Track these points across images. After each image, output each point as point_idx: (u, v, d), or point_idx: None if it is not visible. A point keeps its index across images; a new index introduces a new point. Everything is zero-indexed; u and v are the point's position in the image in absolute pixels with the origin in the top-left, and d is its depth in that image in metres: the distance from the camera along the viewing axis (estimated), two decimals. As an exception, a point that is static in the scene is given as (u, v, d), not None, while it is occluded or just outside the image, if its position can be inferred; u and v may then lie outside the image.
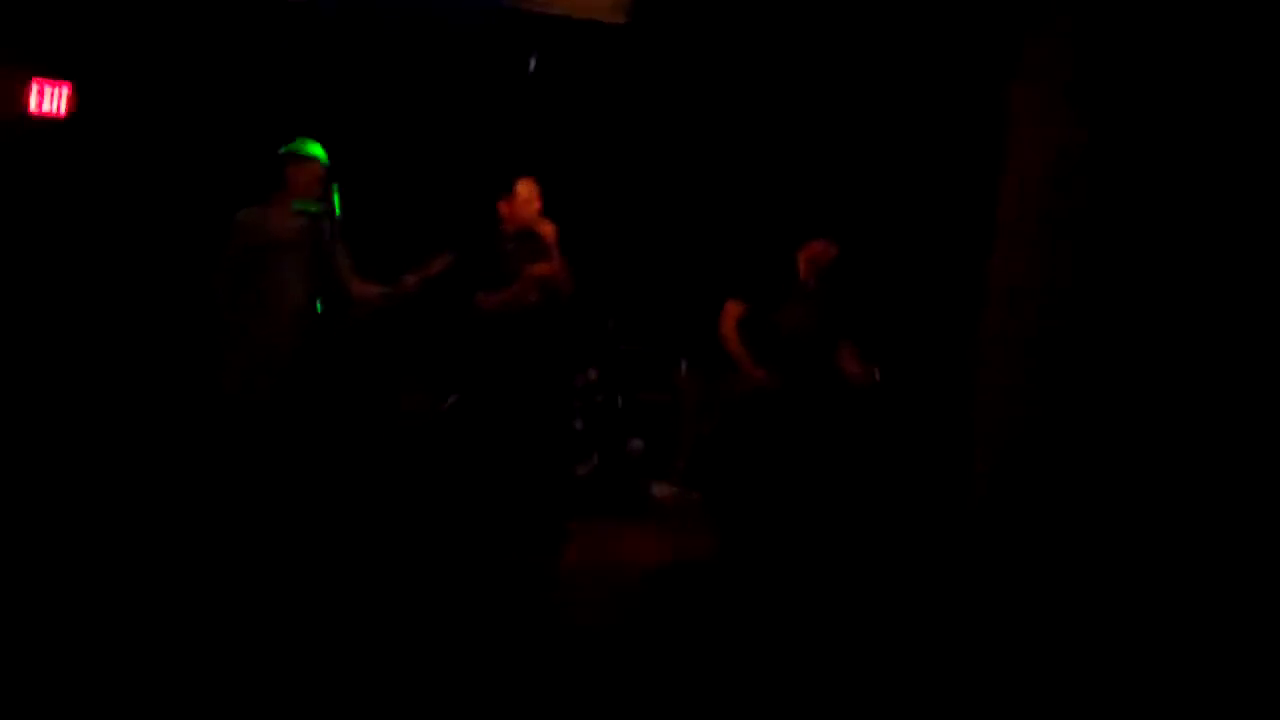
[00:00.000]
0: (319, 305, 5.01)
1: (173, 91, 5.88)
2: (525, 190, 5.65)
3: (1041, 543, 4.64)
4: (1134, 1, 4.83)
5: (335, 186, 4.98)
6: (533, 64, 6.73)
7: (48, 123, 5.59)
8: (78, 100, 5.63)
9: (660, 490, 6.76)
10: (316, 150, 5.10)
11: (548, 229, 5.56)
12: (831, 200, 6.37)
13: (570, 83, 6.88)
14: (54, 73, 5.60)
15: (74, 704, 3.17)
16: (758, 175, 6.97)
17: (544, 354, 5.72)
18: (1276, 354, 4.29)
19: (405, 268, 5.15)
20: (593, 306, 6.50)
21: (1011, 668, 4.11)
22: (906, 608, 4.78)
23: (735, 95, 6.92)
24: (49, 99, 5.53)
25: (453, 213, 6.20)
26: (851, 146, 6.67)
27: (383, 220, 5.90)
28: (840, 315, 5.81)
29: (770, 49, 6.66)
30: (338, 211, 5.01)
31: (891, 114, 6.56)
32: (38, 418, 5.39)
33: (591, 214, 6.30)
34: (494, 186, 5.70)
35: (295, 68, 6.25)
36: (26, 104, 5.58)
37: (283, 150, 5.09)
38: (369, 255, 5.34)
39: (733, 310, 5.76)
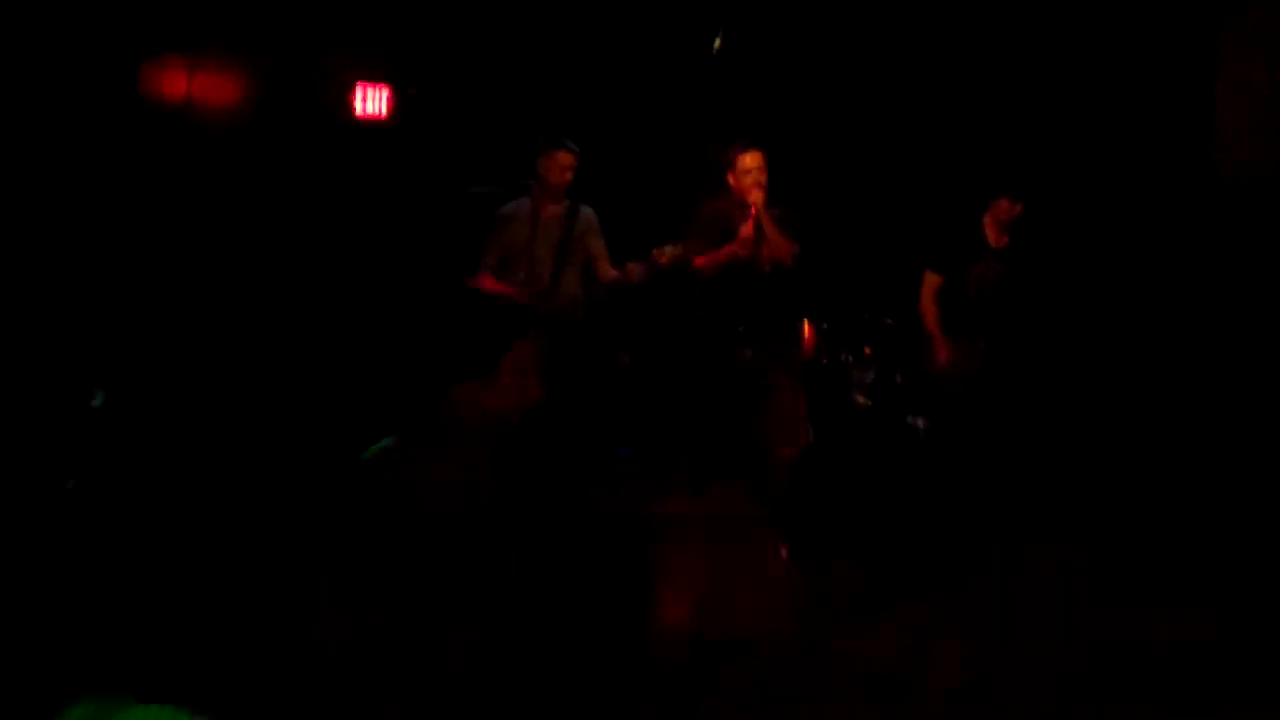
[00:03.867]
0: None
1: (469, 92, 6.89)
2: (749, 160, 5.80)
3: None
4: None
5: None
6: (718, 41, 7.06)
7: (372, 123, 6.67)
8: (395, 102, 6.71)
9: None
10: (564, 142, 5.78)
11: (755, 197, 5.71)
12: (1010, 158, 6.59)
13: (753, 60, 7.18)
14: (375, 78, 6.65)
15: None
16: (936, 138, 7.16)
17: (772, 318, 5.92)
18: None
19: (643, 252, 5.69)
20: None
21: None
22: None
23: (908, 58, 7.15)
24: (372, 101, 6.74)
25: (674, 191, 6.57)
26: (1028, 102, 6.91)
27: (617, 204, 6.37)
28: (1031, 272, 6.08)
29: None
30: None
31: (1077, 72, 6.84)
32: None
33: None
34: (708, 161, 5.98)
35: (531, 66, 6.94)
36: (353, 107, 6.67)
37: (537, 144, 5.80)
38: (617, 240, 6.00)
39: (931, 281, 6.14)
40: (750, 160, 5.78)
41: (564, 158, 5.83)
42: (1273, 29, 6.15)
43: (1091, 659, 4.26)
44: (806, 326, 6.70)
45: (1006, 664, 4.19)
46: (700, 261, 5.84)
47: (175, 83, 5.89)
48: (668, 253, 5.69)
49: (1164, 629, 4.56)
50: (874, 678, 4.01)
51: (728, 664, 3.81)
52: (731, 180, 5.85)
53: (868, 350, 6.67)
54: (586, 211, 6.00)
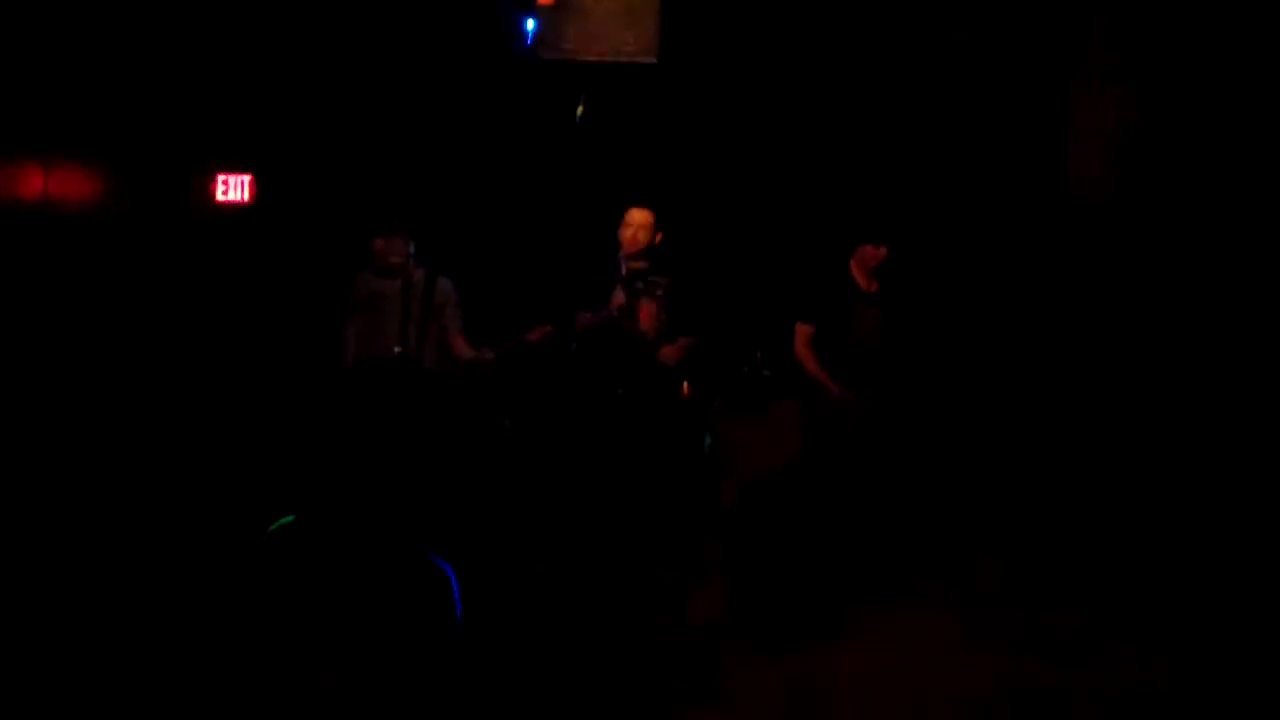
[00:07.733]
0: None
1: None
2: (635, 216, 5.93)
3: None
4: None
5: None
6: (581, 108, 7.13)
7: (233, 207, 6.73)
8: (257, 188, 6.75)
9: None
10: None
11: (628, 250, 5.87)
12: (873, 202, 6.70)
13: (614, 121, 7.29)
14: (236, 167, 6.71)
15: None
16: (796, 190, 7.28)
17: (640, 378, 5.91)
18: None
19: (515, 325, 5.84)
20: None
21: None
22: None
23: (766, 113, 7.31)
24: (234, 189, 6.73)
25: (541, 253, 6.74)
26: (885, 148, 7.12)
27: (483, 277, 6.51)
28: (904, 312, 6.14)
29: (792, 62, 7.18)
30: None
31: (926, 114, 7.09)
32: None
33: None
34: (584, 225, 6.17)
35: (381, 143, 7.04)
36: (214, 194, 6.72)
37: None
38: (486, 314, 6.10)
39: (803, 331, 6.11)
40: (637, 216, 5.92)
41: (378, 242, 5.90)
42: (1119, 65, 6.47)
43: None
44: (685, 386, 6.80)
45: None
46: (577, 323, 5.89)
47: (31, 181, 5.83)
48: (538, 331, 5.80)
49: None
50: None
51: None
52: (619, 235, 5.95)
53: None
54: (445, 283, 6.00)
